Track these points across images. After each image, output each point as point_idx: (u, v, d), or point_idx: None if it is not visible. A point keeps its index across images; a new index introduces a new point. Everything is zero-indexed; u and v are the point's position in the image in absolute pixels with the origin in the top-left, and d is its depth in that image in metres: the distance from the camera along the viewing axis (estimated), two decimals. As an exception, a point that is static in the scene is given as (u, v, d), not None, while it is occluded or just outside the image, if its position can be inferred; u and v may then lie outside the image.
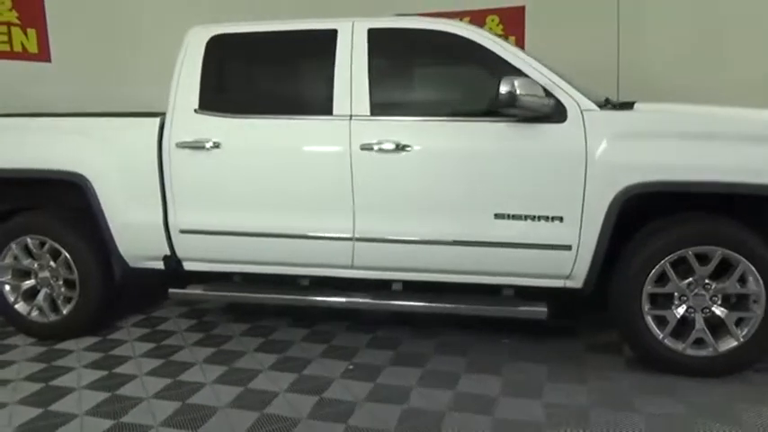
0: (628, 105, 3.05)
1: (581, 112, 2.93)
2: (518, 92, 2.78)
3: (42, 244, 3.61)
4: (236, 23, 3.41)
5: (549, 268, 3.07)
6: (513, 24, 5.32)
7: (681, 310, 2.97)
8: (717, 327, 2.94)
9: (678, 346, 2.97)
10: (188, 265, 3.53)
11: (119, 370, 3.23)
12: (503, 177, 3.01)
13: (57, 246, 3.56)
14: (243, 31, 3.39)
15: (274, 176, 3.23)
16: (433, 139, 3.07)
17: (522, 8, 5.35)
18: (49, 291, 3.68)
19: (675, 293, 2.96)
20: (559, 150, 2.94)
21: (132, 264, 3.58)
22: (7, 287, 3.71)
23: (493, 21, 5.39)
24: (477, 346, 3.39)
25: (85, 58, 5.38)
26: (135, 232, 3.47)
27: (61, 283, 3.64)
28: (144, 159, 3.38)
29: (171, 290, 3.54)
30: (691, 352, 2.96)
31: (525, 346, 3.39)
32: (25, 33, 5.20)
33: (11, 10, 5.10)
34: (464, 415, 2.62)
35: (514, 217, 3.02)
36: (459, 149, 3.06)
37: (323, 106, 3.21)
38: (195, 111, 3.35)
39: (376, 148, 3.08)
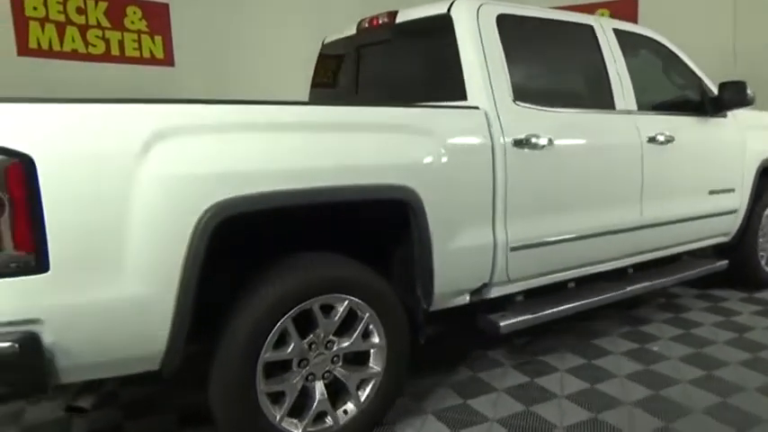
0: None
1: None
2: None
3: (327, 308, 2.10)
4: (499, 3, 2.76)
5: (722, 229, 3.70)
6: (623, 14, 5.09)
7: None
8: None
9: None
10: (495, 291, 2.67)
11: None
12: (714, 160, 3.48)
13: (360, 304, 2.15)
14: (526, 14, 2.80)
15: (599, 173, 2.88)
16: (683, 132, 3.28)
17: (635, 1, 5.30)
18: (328, 382, 2.16)
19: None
20: (733, 138, 3.62)
21: (435, 306, 2.46)
22: (265, 397, 2.00)
23: (602, 14, 5.20)
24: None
25: (206, 62, 5.51)
26: (461, 260, 2.43)
27: (341, 363, 2.19)
28: (478, 162, 2.42)
29: (503, 323, 2.59)
30: (772, 275, 4.06)
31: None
32: (153, 40, 5.40)
33: (141, 19, 5.30)
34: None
35: (717, 192, 3.52)
36: (699, 141, 3.40)
37: (607, 101, 3.01)
38: (514, 102, 2.58)
39: (658, 140, 3.09)
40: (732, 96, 3.37)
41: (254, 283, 1.94)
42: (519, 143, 2.51)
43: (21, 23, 4.74)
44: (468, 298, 2.57)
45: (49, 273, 1.56)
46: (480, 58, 2.52)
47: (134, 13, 5.28)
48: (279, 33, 5.71)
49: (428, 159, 2.25)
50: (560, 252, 2.75)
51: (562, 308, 2.80)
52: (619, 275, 3.25)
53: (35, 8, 4.80)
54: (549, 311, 2.74)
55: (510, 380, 2.77)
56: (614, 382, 2.72)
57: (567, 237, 2.74)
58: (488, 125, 2.44)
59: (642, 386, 2.68)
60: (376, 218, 2.24)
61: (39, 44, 4.84)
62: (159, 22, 5.40)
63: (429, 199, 2.22)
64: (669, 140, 3.13)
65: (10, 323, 1.55)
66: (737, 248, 3.86)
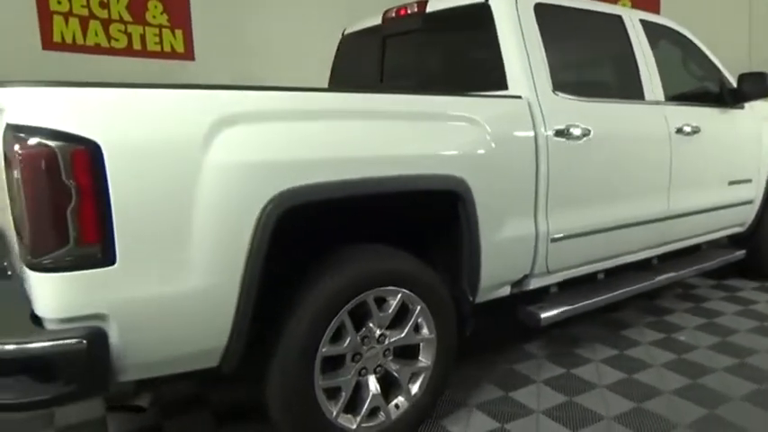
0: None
1: (746, 101, 3.66)
2: (776, 84, 3.34)
3: (378, 301, 2.05)
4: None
5: (739, 219, 3.71)
6: (645, 5, 5.08)
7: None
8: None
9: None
10: (534, 283, 2.64)
11: None
12: (734, 151, 3.49)
13: (412, 297, 2.10)
14: (561, 3, 2.77)
15: (632, 163, 2.86)
16: (707, 122, 3.28)
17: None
18: (381, 376, 2.11)
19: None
20: (750, 129, 3.64)
21: (479, 298, 2.42)
22: (322, 393, 1.94)
23: (624, 5, 5.18)
24: None
25: (226, 56, 5.54)
26: (505, 251, 2.40)
27: (391, 357, 2.14)
28: (523, 152, 2.39)
29: (544, 314, 2.56)
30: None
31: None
32: (173, 34, 5.41)
33: (162, 14, 5.34)
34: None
35: (736, 182, 3.54)
36: (721, 131, 3.40)
37: (637, 91, 2.99)
38: (554, 92, 2.55)
39: (685, 131, 3.09)
40: (752, 88, 3.37)
41: (314, 274, 1.87)
42: (559, 133, 2.48)
43: (45, 17, 4.75)
44: (509, 290, 2.53)
45: (116, 265, 1.48)
46: (521, 47, 2.48)
47: (155, 7, 5.35)
48: (299, 26, 5.76)
49: (476, 149, 2.20)
50: (596, 243, 2.73)
51: (598, 299, 2.78)
52: (643, 266, 3.25)
53: (59, 2, 4.81)
54: (587, 302, 2.72)
55: (547, 371, 2.74)
56: (650, 372, 2.71)
57: (602, 227, 2.72)
58: (531, 115, 2.40)
59: (678, 375, 2.67)
60: (424, 208, 2.19)
61: (63, 38, 4.84)
62: (180, 16, 5.48)
63: (477, 189, 2.18)
64: (695, 131, 3.13)
65: (75, 318, 1.47)
66: (752, 238, 3.88)
